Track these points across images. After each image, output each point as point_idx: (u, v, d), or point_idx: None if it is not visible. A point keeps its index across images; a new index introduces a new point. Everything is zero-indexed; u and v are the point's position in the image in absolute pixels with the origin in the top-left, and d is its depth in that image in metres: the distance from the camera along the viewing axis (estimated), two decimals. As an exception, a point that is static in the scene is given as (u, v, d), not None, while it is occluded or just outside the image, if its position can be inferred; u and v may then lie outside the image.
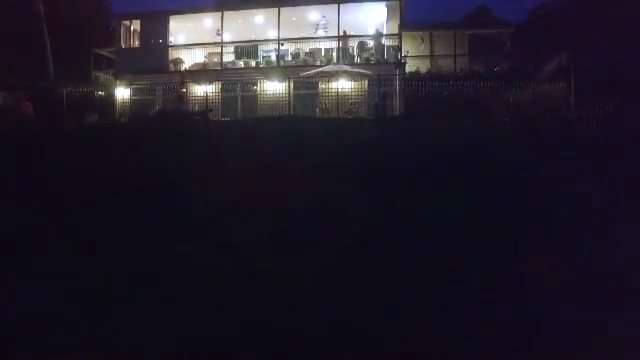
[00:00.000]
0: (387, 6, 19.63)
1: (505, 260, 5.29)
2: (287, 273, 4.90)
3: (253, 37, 21.11)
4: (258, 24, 21.04)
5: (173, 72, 20.60)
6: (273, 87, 19.44)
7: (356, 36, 20.10)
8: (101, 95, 21.92)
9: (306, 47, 20.56)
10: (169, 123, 10.89)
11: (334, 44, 20.07)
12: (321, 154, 6.83)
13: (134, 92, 20.83)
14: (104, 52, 24.99)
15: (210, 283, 4.80)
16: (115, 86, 21.25)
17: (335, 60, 19.57)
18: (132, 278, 4.88)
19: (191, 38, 22.04)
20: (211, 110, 15.61)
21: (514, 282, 4.75)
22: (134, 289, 4.69)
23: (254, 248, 5.40)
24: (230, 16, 20.71)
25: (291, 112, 17.64)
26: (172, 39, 21.80)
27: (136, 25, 22.06)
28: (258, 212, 5.80)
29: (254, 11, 20.75)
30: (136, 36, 22.26)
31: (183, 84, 18.93)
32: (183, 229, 5.67)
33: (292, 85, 19.13)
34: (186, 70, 20.70)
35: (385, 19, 20.03)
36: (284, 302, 4.34)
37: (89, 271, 4.97)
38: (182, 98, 18.41)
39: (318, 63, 19.68)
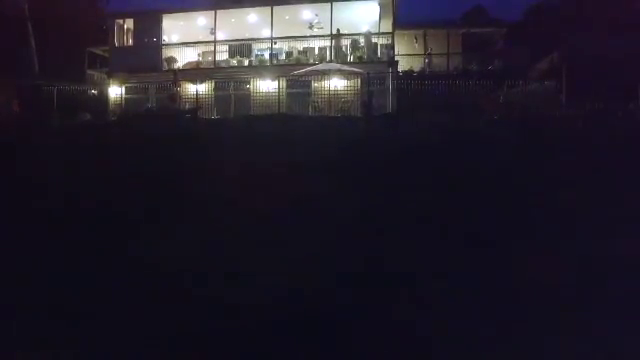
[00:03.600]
0: (380, 4, 19.65)
1: (493, 258, 5.30)
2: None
3: (247, 36, 21.14)
4: (251, 23, 21.08)
5: (166, 71, 20.63)
6: (266, 86, 19.51)
7: (348, 35, 20.13)
8: (94, 94, 21.93)
9: (299, 46, 20.61)
10: (157, 121, 10.91)
11: (327, 43, 20.11)
12: (304, 150, 6.88)
13: (127, 91, 20.89)
14: (98, 51, 25.00)
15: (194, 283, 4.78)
16: (108, 85, 21.29)
17: (328, 59, 19.62)
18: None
19: (184, 37, 22.06)
20: (200, 108, 15.69)
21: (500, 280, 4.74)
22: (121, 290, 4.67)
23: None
24: (223, 15, 20.75)
25: (284, 110, 17.69)
26: (165, 38, 21.83)
27: (129, 24, 22.08)
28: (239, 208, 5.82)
29: (247, 10, 20.77)
30: (129, 35, 22.29)
31: (176, 83, 19.00)
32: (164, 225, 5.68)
33: (285, 84, 19.21)
34: (179, 69, 20.73)
35: (378, 17, 20.06)
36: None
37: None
38: (175, 97, 18.48)
39: (311, 62, 19.72)
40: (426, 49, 24.43)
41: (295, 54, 20.47)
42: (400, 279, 4.33)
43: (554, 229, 5.53)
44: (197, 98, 18.86)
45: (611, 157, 7.67)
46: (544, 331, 3.51)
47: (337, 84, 18.57)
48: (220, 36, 21.19)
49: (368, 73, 17.50)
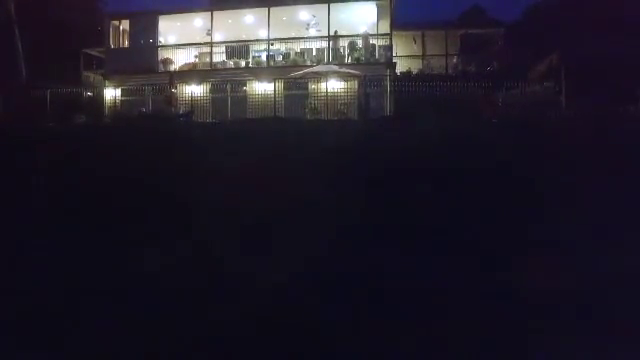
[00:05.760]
0: (377, 5, 19.49)
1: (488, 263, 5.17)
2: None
3: (244, 37, 20.97)
4: (248, 24, 20.91)
5: (163, 72, 20.43)
6: (263, 87, 19.31)
7: (346, 36, 19.96)
8: (90, 96, 21.72)
9: (296, 47, 20.43)
10: (148, 126, 10.72)
11: (325, 44, 19.93)
12: (297, 160, 6.72)
13: (123, 93, 20.69)
14: (94, 52, 24.80)
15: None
16: (104, 87, 21.09)
17: (326, 60, 19.44)
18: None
19: (181, 38, 21.90)
20: (194, 112, 15.56)
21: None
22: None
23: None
24: (220, 16, 20.56)
25: (280, 113, 17.51)
26: (162, 39, 21.64)
27: (125, 25, 21.89)
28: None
29: (244, 11, 20.59)
30: (125, 36, 22.10)
31: (172, 85, 18.81)
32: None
33: (282, 85, 19.02)
34: (176, 70, 20.57)
35: (376, 19, 19.88)
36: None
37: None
38: (171, 99, 18.29)
39: (308, 63, 19.54)
40: (424, 50, 24.30)
41: (292, 55, 20.27)
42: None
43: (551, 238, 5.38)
44: (192, 100, 18.68)
45: (617, 164, 7.47)
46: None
47: (335, 86, 18.38)
48: (217, 37, 21.02)
49: (365, 75, 17.33)
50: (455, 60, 23.89)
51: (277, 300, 4.14)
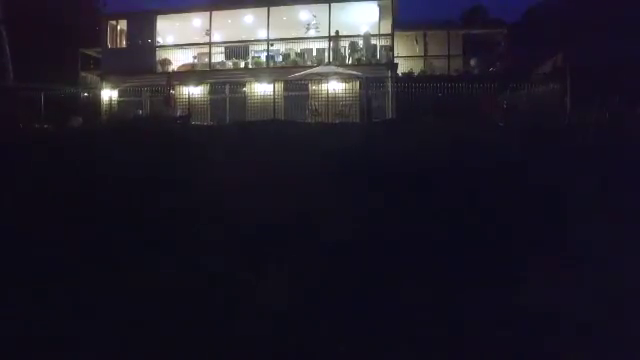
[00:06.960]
0: (379, 5, 19.16)
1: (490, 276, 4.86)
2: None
3: (243, 37, 20.64)
4: (248, 24, 20.59)
5: (161, 73, 20.10)
6: (262, 89, 19.00)
7: (347, 36, 19.63)
8: (87, 97, 21.39)
9: (297, 47, 20.10)
10: (142, 131, 10.39)
11: (325, 44, 19.60)
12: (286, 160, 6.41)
13: (120, 94, 20.37)
14: (92, 52, 24.47)
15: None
16: (101, 87, 20.76)
17: (326, 61, 19.11)
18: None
19: (179, 38, 21.57)
20: (191, 114, 15.25)
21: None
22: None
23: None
24: (219, 16, 20.23)
25: (280, 115, 17.21)
26: (160, 39, 21.32)
27: (123, 25, 21.54)
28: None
29: (243, 11, 20.26)
30: (123, 36, 21.76)
31: (170, 86, 18.51)
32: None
33: (282, 87, 18.70)
34: (174, 71, 20.24)
35: (377, 19, 19.57)
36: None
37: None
38: (170, 101, 17.99)
39: (309, 64, 19.21)
40: (426, 51, 24.01)
41: (292, 56, 19.94)
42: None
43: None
44: (190, 102, 18.37)
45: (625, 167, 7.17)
46: None
47: (335, 87, 18.08)
48: (216, 37, 20.70)
49: (367, 77, 17.01)
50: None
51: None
